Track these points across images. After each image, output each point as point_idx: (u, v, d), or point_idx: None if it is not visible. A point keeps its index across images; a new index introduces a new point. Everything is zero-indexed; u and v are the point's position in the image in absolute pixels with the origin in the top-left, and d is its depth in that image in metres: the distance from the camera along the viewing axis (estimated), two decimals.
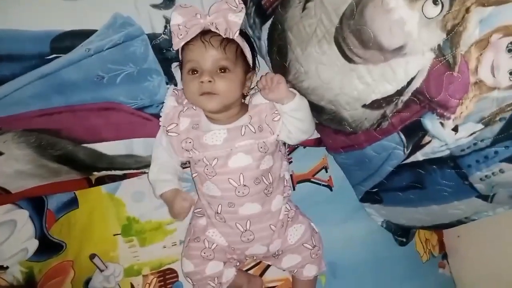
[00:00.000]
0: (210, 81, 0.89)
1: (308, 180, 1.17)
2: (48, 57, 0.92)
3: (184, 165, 1.07)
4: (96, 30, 0.94)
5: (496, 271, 1.11)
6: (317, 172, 1.17)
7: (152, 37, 0.97)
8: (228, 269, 1.03)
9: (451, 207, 0.91)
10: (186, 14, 0.91)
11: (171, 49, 0.96)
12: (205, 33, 0.91)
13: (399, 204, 1.00)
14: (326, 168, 1.18)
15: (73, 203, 1.09)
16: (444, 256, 1.22)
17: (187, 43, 0.92)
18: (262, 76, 0.93)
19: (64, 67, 0.93)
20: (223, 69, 0.91)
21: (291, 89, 0.93)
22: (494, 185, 0.81)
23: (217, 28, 0.90)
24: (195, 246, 1.01)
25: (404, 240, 1.15)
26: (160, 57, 0.97)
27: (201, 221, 1.03)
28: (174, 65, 0.99)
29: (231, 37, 0.91)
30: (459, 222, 0.98)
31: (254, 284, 1.09)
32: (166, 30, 0.96)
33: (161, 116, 0.97)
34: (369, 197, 1.07)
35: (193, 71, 0.91)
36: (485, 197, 0.84)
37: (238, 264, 1.06)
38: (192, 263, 1.01)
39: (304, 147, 1.17)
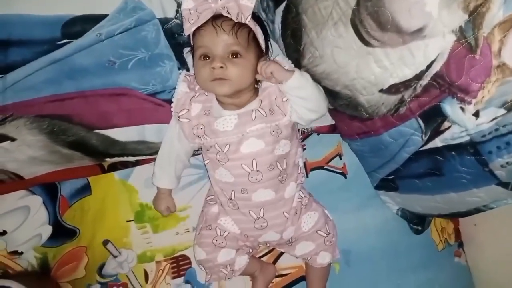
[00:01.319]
0: (221, 67, 0.87)
1: (322, 168, 1.15)
2: (59, 42, 0.92)
3: (196, 151, 1.07)
4: (107, 15, 0.93)
5: None
6: (331, 160, 1.15)
7: (163, 21, 0.95)
8: (240, 256, 1.02)
9: (469, 194, 0.88)
10: None
11: (183, 34, 0.94)
12: (216, 18, 0.89)
13: (415, 192, 0.98)
14: (340, 155, 1.16)
15: (86, 190, 1.09)
16: (460, 244, 1.20)
17: (198, 28, 0.89)
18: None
19: (76, 52, 0.93)
20: (235, 55, 0.89)
21: (289, 67, 0.91)
22: None
23: (228, 13, 0.88)
24: (207, 233, 1.01)
25: (420, 228, 1.12)
26: (172, 42, 0.96)
27: (213, 209, 1.02)
28: (186, 50, 0.98)
29: (243, 22, 0.88)
30: (477, 210, 0.95)
31: (267, 271, 1.09)
32: (177, 15, 0.95)
33: (173, 102, 0.95)
34: (384, 185, 1.04)
35: (205, 56, 0.89)
36: (505, 185, 0.81)
37: (251, 251, 1.06)
38: (204, 251, 1.01)
39: (318, 134, 1.15)
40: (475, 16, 0.68)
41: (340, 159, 1.15)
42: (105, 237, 1.08)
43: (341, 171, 1.15)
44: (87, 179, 1.09)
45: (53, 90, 0.93)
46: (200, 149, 1.05)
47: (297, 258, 1.07)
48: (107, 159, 1.04)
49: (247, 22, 0.89)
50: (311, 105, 0.91)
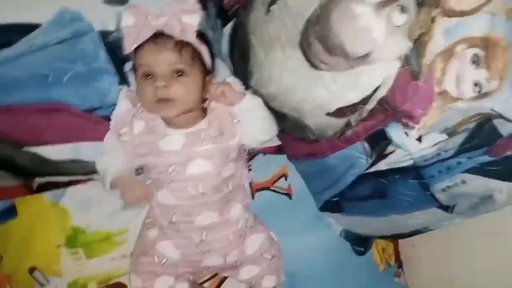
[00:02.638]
0: (165, 86, 0.83)
1: (267, 188, 1.13)
2: None
3: (137, 171, 1.01)
4: (40, 25, 0.87)
5: (449, 280, 1.12)
6: (277, 180, 1.14)
7: (103, 34, 0.90)
8: (180, 283, 0.96)
9: (412, 217, 0.90)
10: (138, 15, 0.85)
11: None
12: (158, 36, 0.85)
13: (359, 214, 0.99)
14: (285, 176, 1.14)
15: (10, 212, 0.99)
16: (400, 265, 1.22)
17: (139, 46, 0.86)
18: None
19: (3, 63, 0.86)
20: (179, 72, 0.85)
21: (239, 90, 0.90)
22: (455, 195, 0.81)
23: (171, 31, 0.85)
24: (143, 260, 0.95)
25: (362, 249, 1.14)
26: (112, 56, 0.91)
27: (150, 234, 0.96)
28: (128, 65, 0.93)
29: (186, 40, 0.86)
30: (417, 232, 0.99)
31: None
32: (118, 28, 0.90)
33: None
34: (329, 206, 1.04)
35: (147, 75, 0.85)
36: (445, 208, 0.84)
37: (191, 277, 1.01)
38: (140, 279, 0.94)
39: (264, 154, 1.13)
40: (419, 44, 0.71)
41: (286, 180, 1.14)
42: (31, 264, 0.98)
43: (286, 192, 1.14)
44: (12, 201, 0.99)
45: None
46: (140, 169, 1.00)
47: (240, 282, 1.03)
48: (37, 179, 0.96)
49: (191, 40, 0.86)
50: (262, 126, 0.90)
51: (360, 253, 1.14)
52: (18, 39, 0.86)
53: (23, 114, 0.88)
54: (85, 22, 0.89)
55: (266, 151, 1.11)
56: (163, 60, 0.84)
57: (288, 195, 1.14)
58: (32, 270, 0.98)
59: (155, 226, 0.96)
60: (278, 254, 1.02)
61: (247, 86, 0.92)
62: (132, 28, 0.85)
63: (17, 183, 0.96)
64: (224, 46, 0.94)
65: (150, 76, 0.85)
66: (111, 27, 0.91)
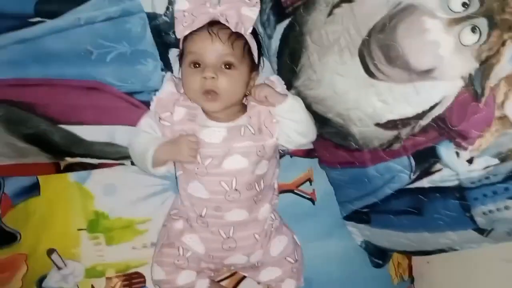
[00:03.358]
0: (213, 77, 0.82)
1: (291, 191, 1.12)
2: (31, 20, 0.83)
3: None
4: None
5: None
6: (301, 184, 1.13)
7: (151, 16, 0.89)
8: (201, 280, 0.96)
9: (443, 236, 0.90)
10: (194, 0, 0.84)
11: (171, 33, 0.89)
12: (212, 24, 0.84)
13: (388, 227, 0.98)
14: (310, 181, 1.14)
15: (34, 189, 0.98)
16: (412, 280, 1.23)
17: (191, 33, 0.84)
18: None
19: (48, 34, 0.85)
20: (228, 65, 0.84)
21: (282, 89, 0.89)
22: (495, 220, 0.80)
23: (227, 21, 0.83)
24: (168, 252, 0.94)
25: (381, 262, 1.13)
26: (158, 40, 0.90)
27: (177, 225, 0.95)
28: (173, 52, 0.91)
29: (241, 32, 0.84)
30: (441, 251, 0.98)
31: None
32: (167, 12, 0.89)
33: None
34: (356, 216, 1.04)
35: (195, 64, 0.84)
36: (481, 231, 0.84)
37: (212, 274, 1.00)
38: (164, 271, 0.93)
39: (291, 157, 1.12)
40: (485, 66, 0.70)
41: (310, 184, 1.13)
42: (50, 246, 0.97)
43: (309, 197, 1.13)
44: (36, 178, 0.97)
45: (16, 73, 0.85)
46: None
47: (259, 283, 1.02)
48: (67, 158, 0.94)
49: (245, 34, 0.85)
50: (302, 128, 0.89)
51: (378, 266, 1.13)
52: (66, 11, 0.84)
53: (61, 89, 0.86)
54: (135, 2, 0.87)
55: (294, 153, 1.11)
56: (215, 50, 0.83)
57: (312, 200, 1.13)
58: (50, 252, 0.97)
59: (181, 218, 0.94)
60: (300, 258, 1.02)
61: (291, 86, 0.91)
62: (187, 13, 0.83)
63: (46, 160, 0.94)
64: (273, 44, 0.92)
65: (198, 65, 0.84)
66: (159, 10, 0.90)
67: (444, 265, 1.17)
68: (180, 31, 0.85)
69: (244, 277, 1.06)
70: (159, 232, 0.98)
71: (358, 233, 1.09)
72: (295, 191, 1.12)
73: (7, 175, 0.95)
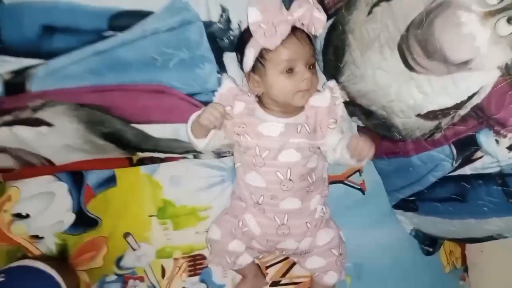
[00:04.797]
0: (309, 78, 0.89)
1: (341, 182, 1.17)
2: (104, 34, 0.94)
3: (223, 153, 1.09)
4: (153, 12, 0.95)
5: None
6: (351, 175, 1.18)
7: (207, 24, 0.97)
8: (246, 255, 1.04)
9: (488, 223, 0.91)
10: (266, 10, 0.86)
11: (225, 39, 0.97)
12: (294, 30, 0.89)
13: (434, 215, 1.01)
14: (360, 172, 1.18)
15: (111, 181, 1.10)
16: (465, 269, 1.24)
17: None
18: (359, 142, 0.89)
19: (120, 45, 0.95)
20: (312, 65, 0.91)
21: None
22: None
23: (303, 24, 0.90)
24: (229, 219, 1.03)
25: (431, 250, 1.16)
26: (213, 46, 0.98)
27: (241, 203, 1.02)
28: (227, 55, 0.99)
29: (314, 34, 0.91)
30: (490, 238, 0.99)
31: (258, 280, 1.11)
32: (221, 19, 0.96)
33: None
34: (403, 205, 1.07)
35: (288, 69, 0.89)
36: None
37: (260, 256, 1.09)
38: (220, 232, 1.03)
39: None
40: None
41: (360, 175, 1.17)
42: (126, 230, 1.09)
43: (359, 187, 1.17)
44: (113, 171, 1.10)
45: (95, 80, 0.95)
46: (228, 152, 1.07)
47: (305, 269, 1.08)
48: (138, 153, 1.06)
49: (319, 35, 0.92)
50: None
51: (428, 253, 1.16)
52: (134, 24, 0.94)
53: (133, 93, 0.97)
54: (192, 12, 0.96)
55: None
56: (305, 53, 0.89)
57: (361, 190, 1.18)
58: (126, 235, 1.09)
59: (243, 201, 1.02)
60: (344, 253, 1.07)
61: (337, 81, 0.97)
62: (264, 24, 0.86)
63: (120, 155, 1.06)
64: (319, 43, 0.98)
65: (290, 70, 0.89)
66: (214, 18, 0.98)
67: (498, 254, 1.16)
68: (269, 43, 0.86)
69: (295, 263, 1.13)
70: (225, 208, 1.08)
71: (407, 221, 1.13)
72: (345, 181, 1.17)
73: (89, 169, 1.08)
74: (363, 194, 1.18)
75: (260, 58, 0.90)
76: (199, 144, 0.95)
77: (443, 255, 1.19)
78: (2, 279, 0.85)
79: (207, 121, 0.89)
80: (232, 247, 1.02)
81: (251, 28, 0.87)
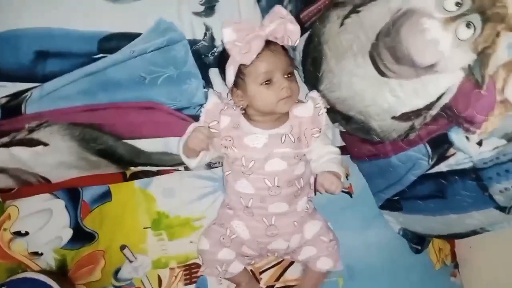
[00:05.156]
0: (288, 86, 0.93)
1: None
2: (95, 56, 0.99)
3: (213, 164, 1.13)
4: (140, 33, 1.00)
5: (506, 283, 1.15)
6: None
7: (192, 42, 1.02)
8: (237, 262, 1.08)
9: (468, 217, 0.95)
10: (240, 30, 0.93)
11: (209, 55, 1.02)
12: (267, 44, 0.94)
13: (418, 212, 1.05)
14: (347, 176, 1.22)
15: (106, 196, 1.14)
16: (456, 265, 1.27)
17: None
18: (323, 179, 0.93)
19: (110, 66, 1.00)
20: (290, 74, 0.96)
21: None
22: None
23: (276, 38, 0.94)
24: (217, 229, 1.08)
25: (419, 248, 1.19)
26: (198, 62, 1.02)
27: (228, 211, 1.08)
28: (212, 71, 1.05)
29: (291, 44, 0.96)
30: (474, 233, 1.03)
31: (252, 286, 1.13)
32: (205, 37, 1.01)
33: (199, 116, 1.01)
34: (389, 205, 1.12)
35: (267, 81, 0.94)
36: (503, 209, 0.88)
37: (252, 262, 1.13)
38: (209, 243, 1.07)
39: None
40: (483, 56, 0.77)
41: (347, 179, 1.22)
42: (122, 242, 1.12)
43: (347, 191, 1.22)
44: (108, 186, 1.14)
45: (87, 100, 1.00)
46: (218, 163, 1.12)
47: (297, 262, 1.13)
48: (131, 168, 1.10)
49: (295, 45, 0.96)
50: None
51: (417, 251, 1.19)
52: (123, 46, 0.99)
53: (123, 111, 1.01)
54: (178, 32, 1.01)
55: None
56: (281, 64, 0.94)
57: (349, 193, 1.22)
58: (123, 247, 1.12)
59: (231, 209, 1.07)
60: (335, 239, 1.10)
61: (317, 90, 1.02)
62: (239, 42, 0.92)
63: (114, 170, 1.10)
64: (298, 54, 1.04)
65: (269, 81, 0.94)
66: (198, 36, 1.03)
67: (487, 249, 1.19)
68: (245, 58, 0.92)
69: (290, 266, 1.16)
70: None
71: (394, 220, 1.17)
72: None
73: (84, 185, 1.13)
74: (351, 197, 1.22)
75: (240, 73, 0.95)
76: (192, 163, 1.01)
77: (432, 253, 1.23)
78: None
79: (194, 145, 0.95)
80: (221, 256, 1.06)
81: (227, 47, 0.93)
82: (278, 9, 0.95)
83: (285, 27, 0.93)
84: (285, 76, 0.94)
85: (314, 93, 1.02)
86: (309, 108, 1.00)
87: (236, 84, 0.97)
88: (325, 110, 1.01)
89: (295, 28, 0.94)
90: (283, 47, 0.96)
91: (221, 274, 1.08)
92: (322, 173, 0.95)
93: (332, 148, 1.02)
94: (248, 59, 0.92)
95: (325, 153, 1.00)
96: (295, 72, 1.02)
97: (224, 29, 0.93)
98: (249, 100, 0.97)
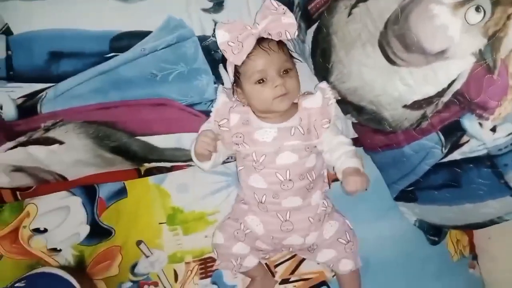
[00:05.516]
0: (282, 84, 0.93)
1: None
2: (107, 55, 1.01)
3: (226, 160, 1.14)
4: (151, 32, 1.02)
5: None
6: None
7: (202, 38, 1.04)
8: (251, 256, 1.08)
9: (485, 206, 0.93)
10: (233, 30, 0.94)
11: (219, 51, 1.01)
12: (260, 42, 0.94)
13: (433, 203, 1.04)
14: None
15: (122, 192, 1.16)
16: (475, 257, 1.25)
17: (247, 56, 0.94)
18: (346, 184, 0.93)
19: (122, 64, 1.02)
20: (286, 71, 0.96)
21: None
22: None
23: (269, 34, 0.95)
24: (231, 223, 1.08)
25: (436, 239, 1.18)
26: (208, 58, 1.04)
27: (242, 205, 1.08)
28: (222, 66, 1.06)
29: (290, 38, 0.96)
30: (491, 222, 1.00)
31: (267, 280, 1.14)
32: (214, 33, 1.02)
33: (211, 111, 1.02)
34: (403, 196, 1.10)
35: (260, 80, 0.95)
36: None
37: (267, 256, 1.13)
38: (223, 237, 1.08)
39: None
40: (494, 40, 0.75)
41: None
42: (138, 238, 1.14)
43: None
44: (123, 183, 1.16)
45: (100, 98, 1.02)
46: (231, 158, 1.12)
47: (318, 264, 1.12)
48: (145, 164, 1.12)
49: (294, 38, 0.96)
50: None
51: (434, 243, 1.18)
52: (134, 44, 1.01)
53: (136, 108, 1.03)
54: (187, 28, 1.03)
55: None
56: (274, 62, 0.94)
57: None
58: (139, 243, 1.14)
59: (245, 203, 1.07)
60: (354, 240, 1.10)
61: (327, 82, 1.02)
62: (232, 42, 0.93)
63: (128, 167, 1.12)
64: (307, 47, 1.03)
65: (263, 80, 0.95)
66: (208, 32, 1.05)
67: (506, 240, 1.17)
68: (236, 59, 0.94)
69: (303, 260, 1.16)
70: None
71: (410, 212, 1.15)
72: None
73: (100, 182, 1.14)
74: (366, 189, 1.21)
75: (236, 73, 0.97)
76: (205, 166, 1.03)
77: (450, 244, 1.21)
78: (23, 285, 0.90)
79: (201, 149, 0.97)
80: (236, 250, 1.07)
81: (221, 48, 0.95)
82: (268, 2, 0.96)
83: (279, 22, 0.93)
84: (282, 72, 0.94)
85: (323, 84, 1.02)
86: (318, 99, 1.00)
87: (236, 83, 0.98)
88: (335, 100, 1.01)
89: (290, 20, 0.94)
90: (279, 42, 0.96)
91: (236, 268, 1.08)
92: (344, 178, 0.94)
93: (343, 139, 1.01)
94: (240, 59, 0.93)
95: (336, 143, 0.99)
96: (297, 67, 1.01)
97: (217, 31, 0.95)
98: (247, 99, 0.98)
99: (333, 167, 1.01)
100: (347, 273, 1.08)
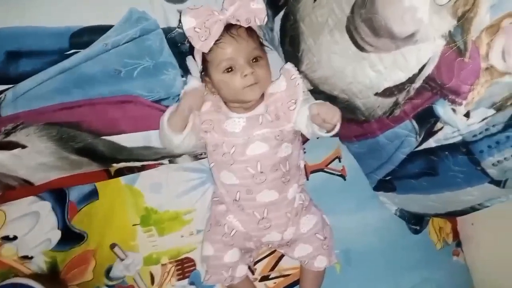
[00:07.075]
0: (252, 72, 0.89)
1: (322, 170, 1.18)
2: (67, 53, 0.96)
3: (200, 155, 1.10)
4: (113, 25, 0.97)
5: (511, 260, 1.11)
6: (331, 162, 1.18)
7: (166, 31, 0.99)
8: (242, 265, 1.05)
9: (463, 193, 0.91)
10: (199, 15, 0.90)
11: (185, 43, 0.98)
12: (228, 28, 0.90)
13: (412, 192, 1.01)
14: (339, 158, 1.18)
15: (93, 195, 1.12)
16: (458, 244, 1.23)
17: (214, 43, 0.89)
18: (322, 108, 0.88)
19: (83, 61, 0.97)
20: (256, 59, 0.91)
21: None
22: (506, 170, 0.81)
23: (238, 20, 0.90)
24: (216, 230, 1.04)
25: (418, 228, 1.15)
26: (175, 51, 1.00)
27: (220, 207, 1.04)
28: (190, 59, 1.02)
29: (259, 24, 0.91)
30: (472, 209, 0.98)
31: None
32: (180, 24, 0.98)
33: None
34: (382, 186, 1.08)
35: (228, 69, 0.91)
36: (497, 183, 0.84)
37: (252, 260, 1.10)
38: (213, 248, 1.03)
39: (317, 137, 1.18)
40: (464, 21, 0.72)
41: (339, 161, 1.18)
42: (112, 241, 1.11)
43: (340, 173, 1.18)
44: (94, 185, 1.12)
45: (62, 98, 0.97)
46: (204, 153, 1.09)
47: (294, 259, 1.09)
48: (114, 165, 1.08)
49: (263, 23, 0.92)
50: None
51: (416, 232, 1.16)
52: (95, 40, 0.96)
53: (100, 106, 0.99)
54: (151, 21, 0.98)
55: None
56: (243, 49, 0.89)
57: (343, 176, 1.18)
58: (113, 246, 1.11)
59: (222, 203, 1.04)
60: (330, 236, 1.07)
61: (298, 71, 0.98)
62: (198, 28, 0.88)
63: (98, 168, 1.08)
64: (276, 35, 0.99)
65: (231, 69, 0.90)
66: (173, 23, 1.00)
67: (489, 225, 1.16)
68: (204, 46, 0.89)
69: (282, 256, 1.13)
70: (207, 218, 1.09)
71: (390, 201, 1.13)
72: (325, 169, 1.18)
73: (69, 185, 1.10)
74: (344, 180, 1.18)
75: (204, 61, 0.92)
76: (176, 139, 0.95)
77: (432, 233, 1.19)
78: None
79: (186, 105, 0.92)
80: (228, 259, 1.03)
81: (188, 35, 0.90)
82: None
83: (248, 7, 0.89)
84: (251, 61, 0.90)
85: (288, 65, 0.97)
86: (282, 83, 0.96)
87: (204, 72, 0.94)
88: (301, 80, 0.96)
89: (259, 5, 0.90)
90: (248, 29, 0.91)
91: (228, 280, 1.04)
92: (314, 104, 0.89)
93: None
94: (207, 45, 0.89)
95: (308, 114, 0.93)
96: (268, 54, 0.96)
97: (183, 17, 0.90)
98: (216, 88, 0.94)
99: (312, 129, 0.94)
100: (321, 270, 1.06)
